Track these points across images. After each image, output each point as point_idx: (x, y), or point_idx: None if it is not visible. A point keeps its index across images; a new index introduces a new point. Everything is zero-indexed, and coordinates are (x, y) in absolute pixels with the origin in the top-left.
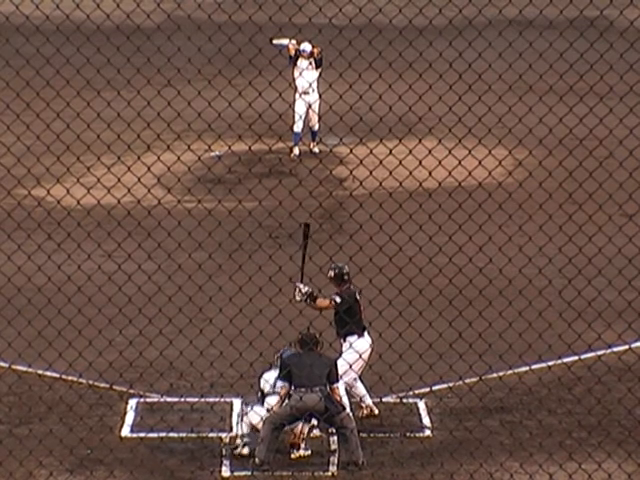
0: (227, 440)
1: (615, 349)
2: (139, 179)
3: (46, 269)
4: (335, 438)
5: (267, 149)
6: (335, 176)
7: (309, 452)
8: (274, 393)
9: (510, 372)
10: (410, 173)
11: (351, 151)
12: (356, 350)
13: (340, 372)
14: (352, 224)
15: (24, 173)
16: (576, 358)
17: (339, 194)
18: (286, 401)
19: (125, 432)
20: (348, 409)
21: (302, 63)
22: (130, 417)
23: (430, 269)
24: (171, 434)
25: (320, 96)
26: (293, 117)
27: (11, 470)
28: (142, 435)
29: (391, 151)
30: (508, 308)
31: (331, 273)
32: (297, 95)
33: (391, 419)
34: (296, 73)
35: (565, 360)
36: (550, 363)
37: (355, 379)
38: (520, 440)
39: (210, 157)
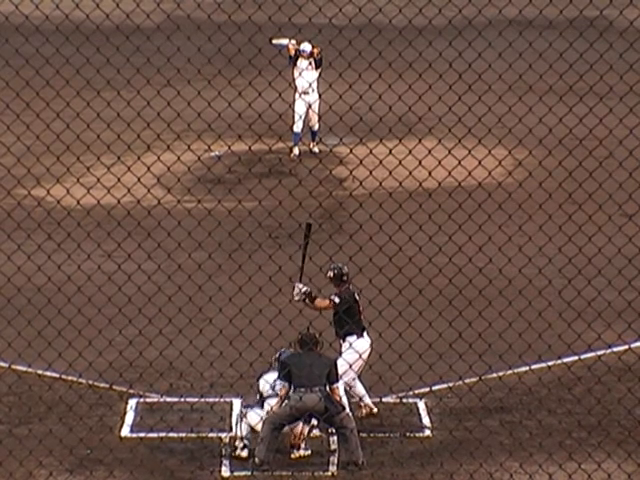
0: (227, 440)
1: (615, 349)
2: (139, 179)
3: (46, 269)
4: (335, 438)
5: (267, 149)
6: (335, 176)
7: (309, 452)
8: (273, 395)
9: (510, 372)
10: (410, 173)
11: (351, 151)
12: (356, 350)
13: (340, 372)
14: (352, 224)
15: (24, 173)
16: (576, 358)
17: (339, 194)
18: (286, 401)
19: (125, 432)
20: (348, 409)
21: (302, 63)
22: (130, 417)
23: (430, 269)
24: (171, 434)
25: (320, 96)
26: (293, 117)
27: (11, 470)
28: (142, 435)
29: (391, 151)
30: (508, 308)
31: (330, 273)
32: (297, 95)
33: (391, 419)
34: (296, 73)
35: (565, 360)
36: (550, 363)
37: (354, 379)
38: (520, 440)
39: (210, 157)
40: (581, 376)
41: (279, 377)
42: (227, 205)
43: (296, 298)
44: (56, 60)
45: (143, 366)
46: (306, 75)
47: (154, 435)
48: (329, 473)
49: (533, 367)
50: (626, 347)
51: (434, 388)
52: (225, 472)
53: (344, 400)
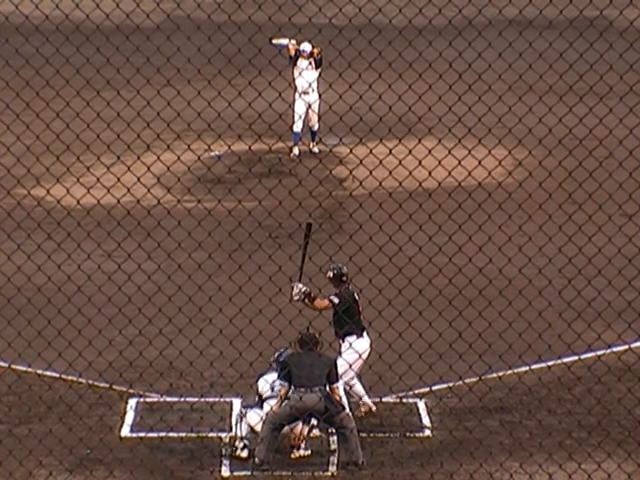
0: (227, 440)
1: (615, 349)
2: (139, 179)
3: (46, 269)
4: (335, 438)
5: (267, 149)
6: (335, 176)
7: (309, 452)
8: (272, 396)
9: (510, 372)
10: (410, 173)
11: (351, 151)
12: (356, 350)
13: (340, 372)
14: (352, 224)
15: (24, 173)
16: (576, 358)
17: (339, 194)
18: (286, 401)
19: (125, 432)
20: (347, 409)
21: (302, 63)
22: (130, 417)
23: (430, 269)
24: (171, 434)
25: (320, 96)
26: (293, 117)
27: (11, 470)
28: (142, 435)
29: (391, 151)
30: (508, 308)
31: (330, 274)
32: (297, 95)
33: (391, 419)
34: (296, 73)
35: (565, 360)
36: (550, 363)
37: (353, 378)
38: (520, 440)
39: (210, 157)
40: (581, 376)
41: (279, 377)
42: (227, 205)
43: (295, 298)
44: (56, 60)
45: (143, 366)
46: (306, 75)
47: (154, 435)
48: (329, 473)
49: (533, 367)
50: (626, 347)
51: (434, 388)
52: (225, 472)
53: (344, 400)
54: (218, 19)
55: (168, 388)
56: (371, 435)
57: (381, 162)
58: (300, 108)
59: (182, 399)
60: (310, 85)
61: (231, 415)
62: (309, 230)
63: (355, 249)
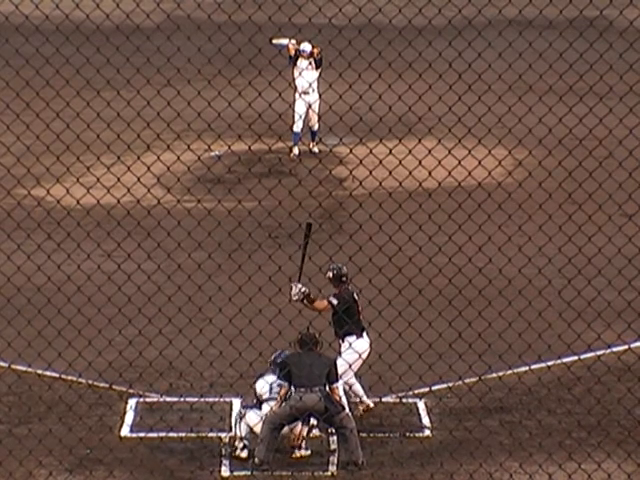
0: (227, 440)
1: (615, 349)
2: (139, 179)
3: (46, 269)
4: (335, 438)
5: (267, 149)
6: (335, 176)
7: (309, 452)
8: (270, 399)
9: (510, 372)
10: (410, 173)
11: (351, 151)
12: (355, 350)
13: (339, 372)
14: (352, 224)
15: (24, 173)
16: (576, 358)
17: (339, 194)
18: (285, 401)
19: (125, 432)
20: (347, 409)
21: (302, 63)
22: (130, 417)
23: (430, 269)
24: (171, 434)
25: (320, 96)
26: (293, 117)
27: (11, 470)
28: (142, 435)
29: (391, 151)
30: (508, 308)
31: (330, 274)
32: (297, 95)
33: (391, 419)
34: (296, 73)
35: (565, 360)
36: (550, 363)
37: (352, 378)
38: (520, 440)
39: (210, 157)
40: (581, 376)
41: (279, 377)
42: (227, 205)
43: (294, 298)
44: (56, 60)
45: (143, 366)
46: (306, 75)
47: (154, 435)
48: (329, 473)
49: (533, 367)
50: (626, 347)
51: (434, 388)
52: (225, 472)
53: (344, 400)
54: (218, 19)
55: (168, 388)
56: (371, 435)
57: (381, 162)
58: (300, 108)
59: (182, 399)
60: (310, 85)
61: (231, 415)
62: (309, 230)
63: (355, 249)
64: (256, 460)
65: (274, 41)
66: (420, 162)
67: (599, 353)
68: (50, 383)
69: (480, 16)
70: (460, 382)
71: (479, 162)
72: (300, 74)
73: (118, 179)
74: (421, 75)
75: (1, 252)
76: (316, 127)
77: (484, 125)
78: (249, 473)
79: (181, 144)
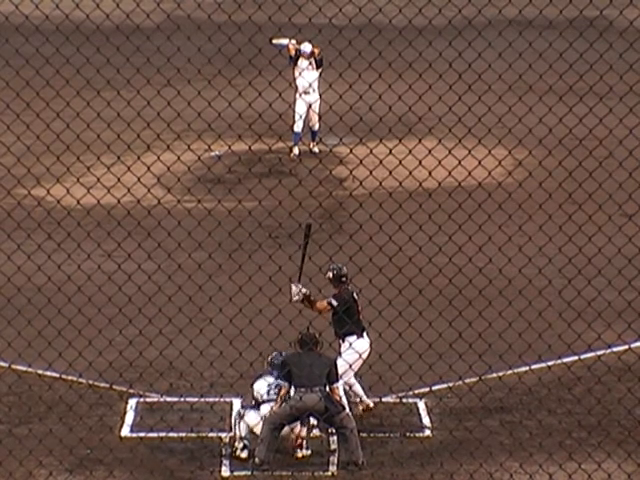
0: (227, 440)
1: (615, 349)
2: (139, 179)
3: (46, 269)
4: (335, 438)
5: (267, 149)
6: (335, 176)
7: (309, 452)
8: (268, 401)
9: (510, 372)
10: (410, 173)
11: (351, 151)
12: (355, 350)
13: (340, 372)
14: (352, 224)
15: (24, 173)
16: (576, 358)
17: (339, 194)
18: (286, 401)
19: (125, 432)
20: (347, 409)
21: (302, 63)
22: (130, 417)
23: (430, 269)
24: (171, 434)
25: (320, 96)
26: (293, 117)
27: (11, 470)
28: (142, 435)
29: (391, 151)
30: (508, 308)
31: (330, 274)
32: (297, 95)
33: (391, 419)
34: (296, 73)
35: (565, 360)
36: (550, 363)
37: (352, 378)
38: (520, 440)
39: (210, 157)
40: (581, 376)
41: (279, 377)
42: (227, 205)
43: (294, 298)
44: (56, 60)
45: (143, 366)
46: (306, 75)
47: (154, 435)
48: (329, 473)
49: (533, 367)
50: (626, 347)
51: (434, 388)
52: (225, 472)
53: (344, 400)
54: (218, 19)
55: (168, 388)
56: (371, 435)
57: (381, 162)
58: (301, 108)
59: (182, 399)
60: (311, 85)
61: (231, 415)
62: (309, 230)
63: (355, 249)
64: (256, 460)
65: (274, 41)
66: (420, 162)
67: (599, 353)
68: (50, 383)
69: (480, 16)
70: (460, 382)
71: (479, 162)
72: (300, 74)
73: (118, 179)
74: (421, 75)
75: (1, 252)
76: (316, 127)
77: (484, 125)
78: (249, 473)
79: (181, 144)
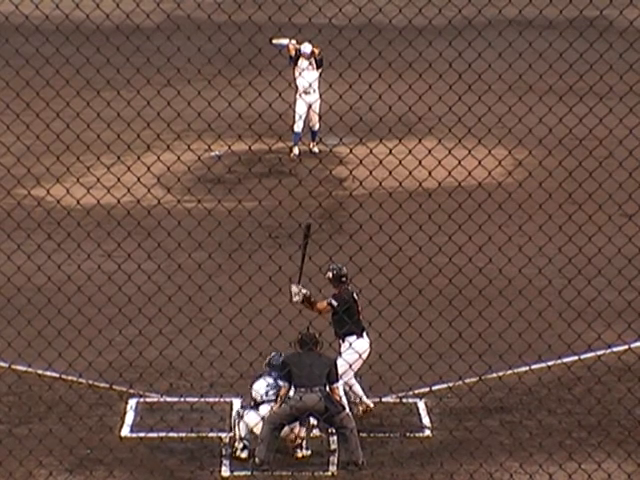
0: (227, 440)
1: (615, 349)
2: (139, 179)
3: (46, 269)
4: (335, 438)
5: (267, 149)
6: (335, 176)
7: (309, 452)
8: (266, 401)
9: (510, 372)
10: (410, 173)
11: (351, 151)
12: (356, 350)
13: (340, 372)
14: (352, 224)
15: (24, 173)
16: (576, 358)
17: (339, 194)
18: (286, 401)
19: (125, 432)
20: (347, 409)
21: (302, 63)
22: (130, 417)
23: (430, 269)
24: (171, 434)
25: (320, 96)
26: (293, 117)
27: (11, 470)
28: (142, 435)
29: (391, 151)
30: (508, 308)
31: (329, 274)
32: (297, 95)
33: (391, 419)
34: (296, 73)
35: (565, 360)
36: (550, 363)
37: (352, 378)
38: (520, 440)
39: (210, 157)
40: (581, 376)
41: (279, 377)
42: (227, 205)
43: (295, 299)
44: (56, 60)
45: (143, 366)
46: (307, 75)
47: (154, 435)
48: (329, 473)
49: (533, 367)
50: (626, 347)
51: (434, 388)
52: (225, 472)
53: (344, 400)
54: (218, 19)
55: (168, 388)
56: (371, 435)
57: (381, 162)
58: (301, 108)
59: (182, 399)
60: (311, 85)
61: (231, 415)
62: (308, 231)
63: (355, 249)
64: (256, 460)
65: (274, 41)
66: (420, 162)
67: (599, 353)
68: (50, 383)
69: (480, 16)
70: (460, 382)
71: (479, 162)
72: (301, 74)
73: (118, 179)
74: (421, 75)
75: (1, 252)
76: (317, 127)
77: (484, 125)
78: (249, 473)
79: (181, 144)
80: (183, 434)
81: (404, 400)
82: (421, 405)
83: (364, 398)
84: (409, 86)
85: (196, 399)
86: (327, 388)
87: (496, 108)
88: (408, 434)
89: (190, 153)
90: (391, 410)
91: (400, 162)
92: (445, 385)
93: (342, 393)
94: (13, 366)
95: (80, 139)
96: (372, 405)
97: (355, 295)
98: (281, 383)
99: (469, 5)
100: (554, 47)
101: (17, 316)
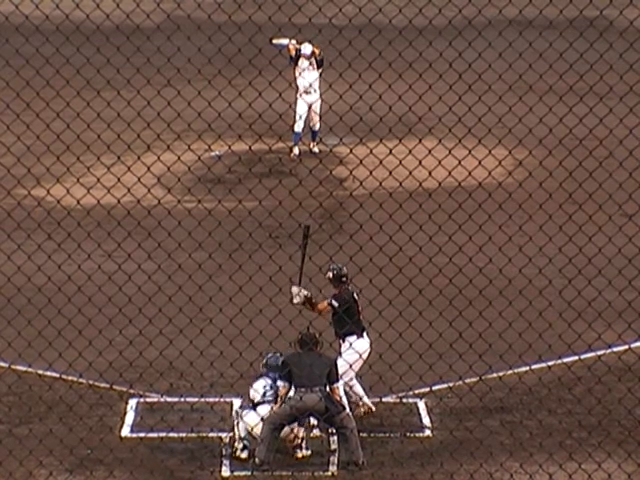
0: (227, 440)
1: (615, 349)
2: (139, 179)
3: (46, 269)
4: (335, 438)
5: (267, 149)
6: (335, 176)
7: (309, 452)
8: (264, 402)
9: (510, 372)
10: (410, 173)
11: (351, 151)
12: (356, 350)
13: (340, 372)
14: (352, 224)
15: (24, 173)
16: (576, 358)
17: (339, 194)
18: (286, 401)
19: (125, 432)
20: (348, 409)
21: (303, 63)
22: (130, 417)
23: (430, 269)
24: (171, 434)
25: (321, 96)
26: (294, 117)
27: (11, 470)
28: (142, 435)
29: (391, 151)
30: (508, 308)
31: (330, 274)
32: (298, 95)
33: (391, 419)
34: (297, 73)
35: (565, 360)
36: (550, 363)
37: (353, 379)
38: (520, 440)
39: (210, 157)
40: (581, 376)
41: (279, 377)
42: (227, 205)
43: (295, 300)
44: (56, 60)
45: (143, 366)
46: (307, 75)
47: (154, 435)
48: (329, 473)
49: (533, 367)
50: (626, 347)
51: (434, 388)
52: (225, 472)
53: (344, 400)
54: (218, 19)
55: (168, 388)
56: (371, 435)
57: (381, 162)
58: (301, 108)
59: (182, 399)
60: (311, 85)
61: (231, 415)
62: (307, 232)
63: (355, 249)
64: (256, 460)
65: (274, 41)
66: (420, 162)
67: (599, 353)
68: (50, 383)
69: (480, 16)
70: (460, 382)
71: (479, 162)
72: (301, 74)
73: (118, 179)
74: (421, 75)
75: (1, 252)
76: (317, 127)
77: (484, 125)
78: (249, 473)
79: (181, 144)
80: (183, 434)
81: (404, 400)
82: (421, 405)
83: (365, 399)
84: (409, 86)
85: (196, 399)
86: (327, 388)
87: (496, 108)
88: (408, 434)
89: (190, 153)
90: (391, 410)
91: (400, 162)
92: (445, 385)
93: (342, 393)
94: (13, 366)
95: (80, 139)
96: (373, 408)
97: (355, 295)
98: (281, 383)
99: (469, 5)
100: (554, 47)
101: (17, 316)
